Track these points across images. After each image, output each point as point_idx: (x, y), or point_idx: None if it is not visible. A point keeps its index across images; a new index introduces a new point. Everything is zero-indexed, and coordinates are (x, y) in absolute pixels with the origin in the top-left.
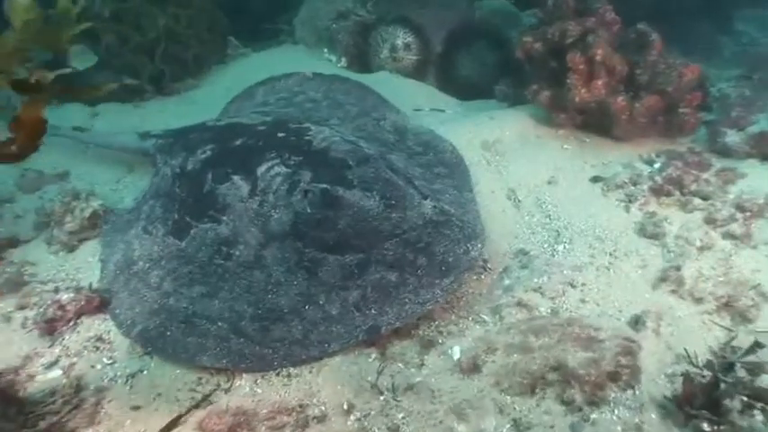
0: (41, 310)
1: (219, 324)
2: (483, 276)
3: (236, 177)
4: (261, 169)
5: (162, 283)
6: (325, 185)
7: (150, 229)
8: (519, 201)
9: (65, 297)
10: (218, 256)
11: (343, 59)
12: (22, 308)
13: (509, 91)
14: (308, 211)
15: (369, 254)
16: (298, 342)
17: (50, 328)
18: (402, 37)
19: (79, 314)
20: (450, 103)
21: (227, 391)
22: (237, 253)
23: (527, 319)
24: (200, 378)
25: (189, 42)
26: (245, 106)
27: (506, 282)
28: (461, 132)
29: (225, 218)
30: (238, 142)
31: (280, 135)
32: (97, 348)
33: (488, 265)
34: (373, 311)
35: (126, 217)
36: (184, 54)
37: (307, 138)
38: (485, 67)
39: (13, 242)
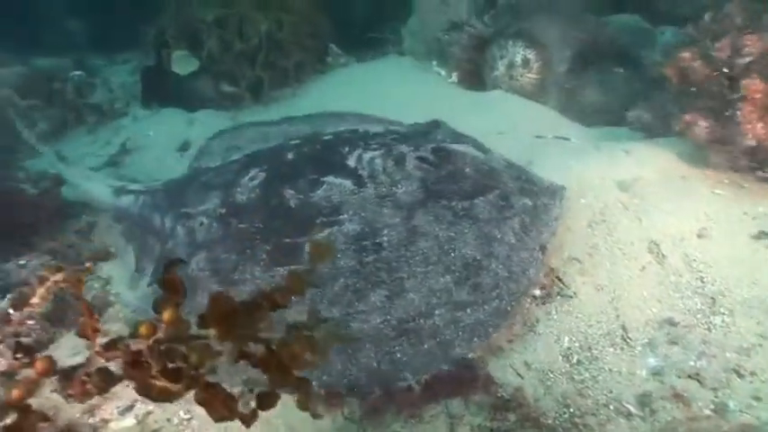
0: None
1: (420, 321)
2: (621, 350)
3: (329, 178)
4: (350, 161)
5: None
6: (432, 144)
7: (236, 278)
8: (663, 256)
9: None
10: (364, 253)
11: (454, 75)
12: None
13: (647, 117)
14: (433, 170)
15: (503, 187)
16: (505, 279)
17: None
18: (522, 54)
19: None
20: (574, 130)
21: None
22: (386, 239)
23: (687, 418)
24: None
25: (290, 49)
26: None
27: (652, 361)
28: (594, 168)
29: (344, 216)
30: (290, 156)
31: (326, 139)
32: None
33: (628, 335)
34: (540, 230)
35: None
36: (285, 62)
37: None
38: (614, 90)
39: (103, 255)
